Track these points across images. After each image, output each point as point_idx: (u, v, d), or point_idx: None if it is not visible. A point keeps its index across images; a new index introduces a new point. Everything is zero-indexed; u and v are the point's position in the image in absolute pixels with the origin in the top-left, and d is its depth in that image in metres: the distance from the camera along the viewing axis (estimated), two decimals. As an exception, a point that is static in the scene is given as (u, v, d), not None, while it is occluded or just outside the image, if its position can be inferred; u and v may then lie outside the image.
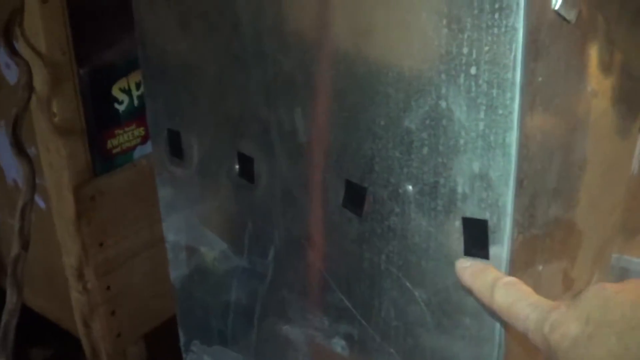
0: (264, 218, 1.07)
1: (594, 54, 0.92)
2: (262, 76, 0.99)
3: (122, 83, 1.63)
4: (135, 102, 1.67)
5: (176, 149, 1.14)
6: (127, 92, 1.64)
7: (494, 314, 0.86)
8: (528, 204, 0.88)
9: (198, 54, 1.05)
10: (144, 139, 1.71)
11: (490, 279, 0.85)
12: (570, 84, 0.90)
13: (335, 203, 0.98)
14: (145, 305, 1.82)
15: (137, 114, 1.68)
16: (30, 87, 1.46)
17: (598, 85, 0.95)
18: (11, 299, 1.49)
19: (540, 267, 0.95)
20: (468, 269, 0.88)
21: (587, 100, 0.95)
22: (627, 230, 1.22)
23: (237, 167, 1.07)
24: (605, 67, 0.95)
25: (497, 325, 0.90)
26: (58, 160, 1.58)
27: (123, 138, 1.67)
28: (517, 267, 0.89)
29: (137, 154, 1.71)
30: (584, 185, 1.01)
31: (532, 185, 0.87)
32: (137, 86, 1.66)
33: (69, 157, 1.58)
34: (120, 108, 1.64)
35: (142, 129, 1.70)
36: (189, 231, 1.20)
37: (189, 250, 1.21)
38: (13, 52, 1.47)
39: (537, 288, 0.90)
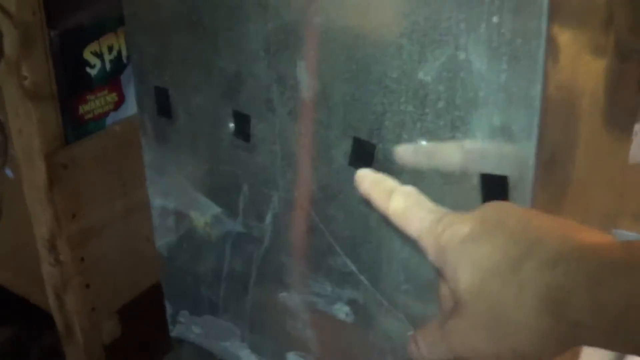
0: (261, 179, 1.02)
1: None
2: (261, 28, 0.93)
3: (93, 46, 1.57)
4: (107, 66, 1.60)
5: (164, 108, 1.08)
6: (99, 55, 1.58)
7: (390, 224, 0.82)
8: (548, 159, 0.84)
9: (191, 5, 0.99)
10: (117, 105, 1.65)
11: (388, 187, 0.82)
12: (589, 35, 0.86)
13: (341, 161, 0.93)
14: (120, 278, 1.77)
15: (109, 79, 1.62)
16: (0, 49, 1.39)
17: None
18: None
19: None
20: (367, 177, 0.84)
21: (605, 55, 0.91)
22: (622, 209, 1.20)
23: (231, 125, 1.02)
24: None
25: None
26: (28, 126, 1.52)
27: (95, 104, 1.60)
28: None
29: (109, 120, 1.65)
30: (593, 151, 0.98)
31: (552, 140, 0.83)
32: (109, 50, 1.60)
33: (39, 122, 1.52)
34: (92, 72, 1.58)
35: (114, 94, 1.64)
36: (178, 195, 1.14)
37: (177, 216, 1.16)
38: (-20, 13, 1.40)
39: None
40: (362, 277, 0.98)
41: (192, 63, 1.03)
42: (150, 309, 1.86)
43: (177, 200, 1.15)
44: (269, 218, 1.04)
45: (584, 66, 0.87)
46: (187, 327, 1.25)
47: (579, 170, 0.94)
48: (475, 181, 0.85)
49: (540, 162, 0.82)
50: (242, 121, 1.00)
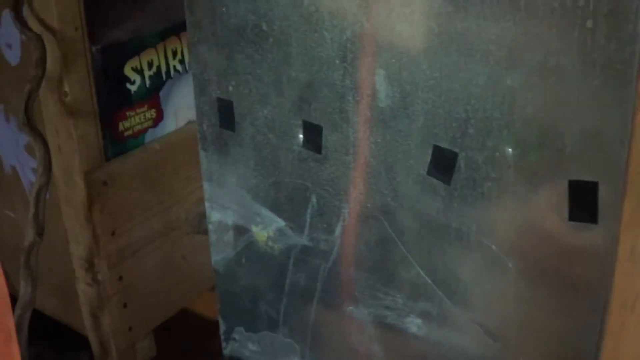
0: (331, 191, 1.01)
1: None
2: (338, 37, 0.92)
3: (134, 62, 1.55)
4: (147, 82, 1.59)
5: (227, 120, 1.07)
6: (139, 71, 1.57)
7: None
8: (636, 166, 0.83)
9: (260, 14, 0.98)
10: (156, 122, 1.64)
11: None
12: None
13: (419, 171, 0.92)
14: (157, 297, 1.74)
15: (148, 95, 1.60)
16: (44, 63, 1.38)
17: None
18: (26, 290, 1.41)
19: (636, 233, 0.90)
20: None
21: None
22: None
23: (301, 137, 1.00)
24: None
25: (603, 295, 0.85)
26: (68, 143, 1.50)
27: (134, 120, 1.59)
28: (623, 233, 0.84)
29: (148, 137, 1.63)
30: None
31: (640, 146, 0.82)
32: (149, 65, 1.58)
33: (80, 139, 1.50)
34: (132, 88, 1.57)
35: (153, 110, 1.62)
36: (238, 209, 1.13)
37: (236, 230, 1.15)
38: (24, 27, 1.39)
39: (631, 256, 0.86)
40: (437, 289, 0.96)
41: (260, 73, 1.02)
42: (185, 328, 1.85)
43: (236, 214, 1.14)
44: (338, 230, 1.02)
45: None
46: (242, 344, 1.23)
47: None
48: (564, 188, 0.83)
49: (631, 168, 0.80)
50: (313, 132, 0.99)
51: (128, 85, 1.53)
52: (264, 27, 0.98)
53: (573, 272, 0.86)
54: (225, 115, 1.06)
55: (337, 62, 0.93)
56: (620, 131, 0.78)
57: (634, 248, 0.91)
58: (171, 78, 1.58)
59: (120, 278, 1.60)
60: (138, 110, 1.56)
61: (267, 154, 1.05)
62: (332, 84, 0.94)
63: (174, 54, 1.58)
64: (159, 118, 1.60)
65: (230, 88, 1.05)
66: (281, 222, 1.08)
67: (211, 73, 1.07)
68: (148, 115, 1.58)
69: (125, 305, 1.63)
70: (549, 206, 0.85)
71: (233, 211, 1.13)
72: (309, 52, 0.95)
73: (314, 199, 1.02)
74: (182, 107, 1.61)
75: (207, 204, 1.16)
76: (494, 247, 0.89)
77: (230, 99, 1.05)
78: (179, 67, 1.59)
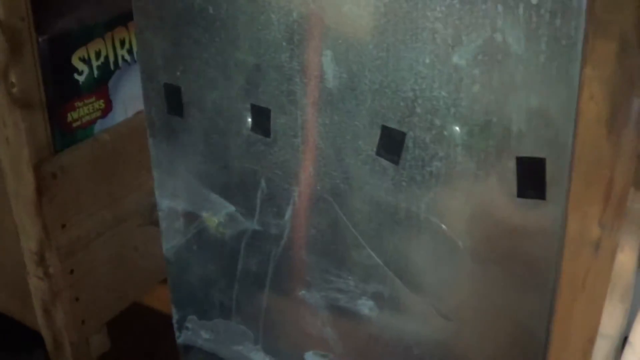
0: (280, 174, 1.00)
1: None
2: (285, 18, 0.92)
3: (81, 52, 1.53)
4: (95, 72, 1.57)
5: (175, 106, 1.06)
6: (87, 61, 1.55)
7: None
8: (583, 142, 0.83)
9: (207, -3, 0.97)
10: (105, 112, 1.62)
11: None
12: (616, 17, 0.86)
13: (367, 152, 0.92)
14: (110, 290, 1.72)
15: (97, 86, 1.58)
16: (-11, 55, 1.36)
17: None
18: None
19: (586, 209, 0.91)
20: None
21: (627, 41, 0.91)
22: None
23: (249, 120, 1.00)
24: None
25: (552, 270, 0.86)
26: (16, 135, 1.48)
27: (83, 111, 1.57)
28: (571, 208, 0.84)
29: (97, 128, 1.61)
30: (616, 128, 0.97)
31: (587, 122, 0.83)
32: (97, 55, 1.57)
33: (28, 131, 1.48)
34: (80, 79, 1.55)
35: (102, 101, 1.60)
36: (188, 196, 1.12)
37: (187, 217, 1.14)
38: (-32, 18, 1.37)
39: (581, 231, 0.87)
40: (388, 270, 0.96)
41: (207, 58, 1.01)
42: (138, 321, 1.83)
43: (186, 201, 1.13)
44: (288, 214, 1.02)
45: (610, 50, 0.87)
46: (195, 332, 1.22)
47: (604, 156, 0.94)
48: (511, 165, 0.84)
49: (577, 143, 0.81)
50: (262, 115, 0.98)
51: (76, 76, 1.51)
52: (211, 10, 0.97)
53: (522, 250, 0.86)
54: (173, 101, 1.05)
55: (284, 44, 0.93)
56: (566, 107, 0.79)
57: (582, 225, 0.92)
58: (119, 68, 1.57)
59: (72, 271, 1.58)
60: (86, 101, 1.54)
61: (215, 138, 1.04)
62: (279, 66, 0.94)
63: (122, 43, 1.57)
64: (108, 108, 1.59)
65: (178, 73, 1.04)
66: (231, 207, 1.07)
67: (158, 59, 1.06)
68: (97, 105, 1.57)
69: (77, 299, 1.62)
70: (497, 184, 0.85)
71: (183, 198, 1.12)
72: (256, 35, 0.95)
73: (263, 183, 1.02)
74: (131, 97, 1.60)
75: (156, 192, 1.15)
76: (443, 226, 0.90)
77: (177, 84, 1.04)
78: (127, 57, 1.58)
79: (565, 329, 0.95)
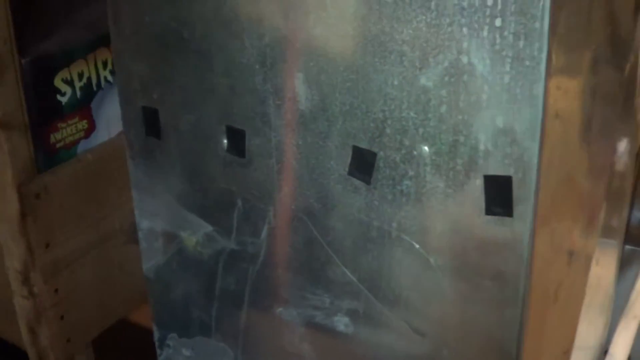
0: (256, 194, 1.02)
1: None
2: (257, 42, 0.94)
3: (64, 73, 1.55)
4: (78, 93, 1.59)
5: (153, 128, 1.08)
6: (70, 82, 1.56)
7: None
8: (549, 160, 0.85)
9: (182, 21, 0.99)
10: (88, 133, 1.63)
11: None
12: (583, 35, 0.88)
13: (340, 172, 0.94)
14: (95, 308, 1.74)
15: (80, 107, 1.60)
16: (-29, 78, 1.37)
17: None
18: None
19: (555, 226, 0.93)
20: None
21: (592, 60, 0.93)
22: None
23: (225, 142, 1.01)
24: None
25: (521, 286, 0.88)
26: (-1, 156, 1.49)
27: (66, 132, 1.59)
28: (538, 225, 0.86)
29: (80, 148, 1.63)
30: (585, 146, 0.99)
31: (553, 140, 0.85)
32: (80, 76, 1.58)
33: (11, 153, 1.49)
34: (63, 100, 1.56)
35: (85, 121, 1.62)
36: (167, 216, 1.13)
37: (166, 237, 1.15)
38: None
39: (550, 246, 0.89)
40: (362, 287, 0.98)
41: (183, 81, 1.03)
42: (124, 338, 1.84)
43: (165, 221, 1.15)
44: (264, 233, 1.04)
45: (575, 69, 0.89)
46: (176, 350, 1.24)
47: (572, 171, 0.96)
48: (479, 183, 0.85)
49: (543, 161, 0.83)
50: (237, 137, 1.00)
51: (59, 97, 1.52)
52: (185, 35, 0.99)
53: (492, 266, 0.88)
54: (151, 123, 1.07)
55: (258, 67, 0.94)
56: (531, 126, 0.81)
57: (552, 240, 0.93)
58: (102, 89, 1.58)
59: (57, 290, 1.60)
60: (69, 122, 1.56)
61: (192, 160, 1.06)
62: (253, 89, 0.96)
63: (105, 64, 1.58)
64: (91, 129, 1.60)
65: (155, 96, 1.06)
66: (209, 227, 1.08)
67: (136, 82, 1.07)
68: (80, 126, 1.58)
69: (62, 318, 1.63)
70: (466, 202, 0.87)
71: (162, 218, 1.14)
72: (230, 58, 0.96)
73: (239, 203, 1.04)
74: (114, 118, 1.61)
75: (135, 212, 1.16)
76: (415, 244, 0.91)
77: (155, 107, 1.06)
78: (109, 78, 1.59)
79: (537, 342, 0.96)
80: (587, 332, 1.40)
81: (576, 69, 0.90)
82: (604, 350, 1.43)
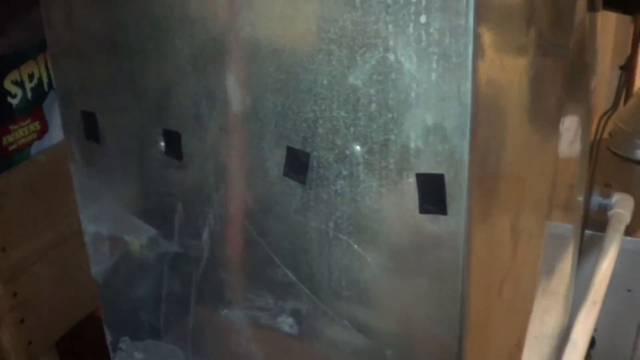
0: (195, 197, 1.01)
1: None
2: (188, 43, 0.93)
3: (14, 75, 1.54)
4: (29, 95, 1.57)
5: (92, 132, 1.07)
6: (20, 84, 1.55)
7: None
8: (482, 155, 0.84)
9: (115, 25, 0.98)
10: (40, 134, 1.62)
11: None
12: (512, 31, 0.87)
13: (275, 173, 0.93)
14: (56, 310, 1.73)
15: (31, 108, 1.59)
16: None
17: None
18: None
19: (493, 221, 0.92)
20: None
21: (528, 51, 0.93)
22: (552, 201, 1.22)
23: (162, 144, 1.00)
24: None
25: (459, 283, 0.87)
26: (-49, 162, 1.48)
27: (19, 134, 1.57)
28: (475, 221, 0.85)
29: (34, 149, 1.62)
30: (524, 142, 0.99)
31: (485, 136, 0.84)
32: (30, 78, 1.57)
33: (-38, 158, 1.48)
34: (14, 102, 1.55)
35: (37, 123, 1.61)
36: (111, 220, 1.12)
37: (111, 241, 1.14)
38: None
39: (490, 242, 0.88)
40: (303, 287, 0.97)
41: (118, 84, 1.01)
42: (88, 338, 1.83)
43: (110, 224, 1.13)
44: (205, 235, 1.03)
45: (510, 62, 0.88)
46: (129, 353, 1.23)
47: (510, 164, 0.95)
48: (412, 181, 0.85)
49: (475, 158, 0.82)
50: (173, 139, 0.99)
51: (9, 99, 1.51)
52: (118, 38, 0.98)
53: (430, 264, 0.87)
54: (90, 127, 1.06)
55: (190, 69, 0.93)
56: (461, 124, 0.80)
57: (492, 235, 0.93)
58: (54, 89, 1.56)
59: (15, 294, 1.58)
60: (21, 124, 1.54)
61: (132, 163, 1.05)
62: (186, 91, 0.94)
63: (56, 64, 1.56)
64: (43, 130, 1.59)
65: (93, 100, 1.05)
66: (152, 230, 1.07)
67: (73, 86, 1.06)
68: (32, 127, 1.57)
69: (22, 321, 1.62)
70: (401, 200, 0.86)
71: (106, 222, 1.13)
72: (163, 61, 0.95)
73: (180, 206, 1.02)
74: (67, 118, 1.59)
75: (81, 216, 1.15)
76: (352, 243, 0.91)
77: (93, 110, 1.05)
78: (61, 78, 1.57)
79: (482, 338, 0.96)
80: (547, 320, 1.40)
81: (513, 57, 0.89)
82: (565, 338, 1.42)
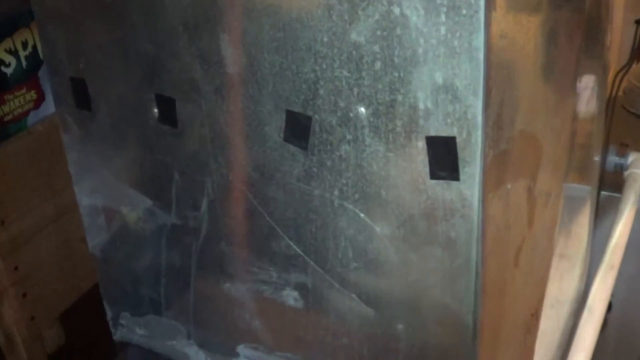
0: (192, 165, 0.95)
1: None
2: (177, 3, 0.87)
3: (7, 44, 1.48)
4: (24, 63, 1.52)
5: (82, 100, 1.01)
6: (14, 53, 1.49)
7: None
8: (496, 115, 0.78)
9: (99, -15, 0.92)
10: (37, 103, 1.57)
11: None
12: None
13: (275, 138, 0.87)
14: (58, 284, 1.69)
15: (26, 77, 1.53)
16: None
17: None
18: None
19: (509, 186, 0.86)
20: None
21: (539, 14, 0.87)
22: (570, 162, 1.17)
23: (155, 111, 0.95)
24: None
25: (474, 253, 0.81)
26: (-56, 133, 1.43)
27: (14, 104, 1.52)
28: (489, 187, 0.80)
29: (30, 120, 1.56)
30: (541, 100, 0.93)
31: (499, 94, 0.78)
32: (24, 45, 1.51)
33: (-45, 129, 1.43)
34: (8, 71, 1.49)
35: (33, 92, 1.55)
36: (106, 191, 1.07)
37: (107, 213, 1.09)
38: None
39: (506, 209, 0.82)
40: (308, 259, 0.92)
41: (107, 49, 0.96)
42: (93, 311, 1.79)
43: (105, 196, 1.08)
44: (204, 206, 0.97)
45: (524, 15, 0.82)
46: (130, 329, 1.18)
47: (526, 124, 0.89)
48: (421, 145, 0.79)
49: (488, 118, 0.76)
50: (167, 105, 0.93)
51: (3, 68, 1.46)
52: (106, 0, 0.92)
53: (442, 233, 0.82)
54: (80, 94, 1.00)
55: (181, 29, 0.88)
56: (473, 82, 0.74)
57: (508, 201, 0.87)
58: (49, 56, 1.51)
59: (16, 268, 1.54)
60: (17, 93, 1.49)
61: (125, 131, 1.00)
62: (178, 53, 0.89)
63: (50, 30, 1.50)
64: (40, 99, 1.54)
65: (81, 66, 0.99)
66: (148, 202, 1.02)
67: (61, 52, 1.00)
68: (28, 97, 1.51)
69: (24, 295, 1.58)
70: (410, 166, 0.80)
71: (101, 194, 1.08)
72: (152, 22, 0.90)
73: (176, 176, 0.97)
74: (64, 85, 1.54)
75: (75, 188, 1.10)
76: (359, 212, 0.85)
77: (82, 77, 0.99)
78: (56, 44, 1.52)
79: (497, 309, 0.91)
80: (564, 287, 1.35)
81: (527, 11, 0.83)
82: (581, 302, 1.37)
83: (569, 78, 1.05)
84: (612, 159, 1.47)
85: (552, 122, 1.00)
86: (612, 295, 1.33)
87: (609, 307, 1.51)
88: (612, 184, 1.51)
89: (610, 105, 1.44)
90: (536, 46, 0.88)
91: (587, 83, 1.18)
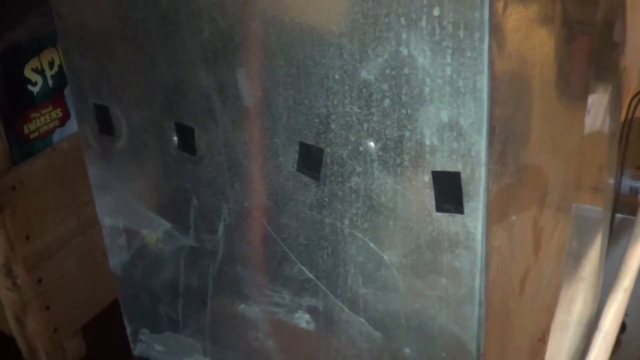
0: (209, 192, 0.99)
1: None
2: (197, 37, 0.90)
3: (34, 63, 1.52)
4: (50, 82, 1.56)
5: (105, 125, 1.05)
6: (40, 72, 1.54)
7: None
8: (500, 152, 0.81)
9: (123, 18, 0.96)
10: (62, 121, 1.61)
11: None
12: (530, 24, 0.84)
13: (289, 168, 0.90)
14: (80, 296, 1.73)
15: (52, 95, 1.57)
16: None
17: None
18: None
19: (514, 218, 0.89)
20: None
21: (548, 43, 0.89)
22: (580, 183, 1.19)
23: (175, 139, 0.98)
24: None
25: (477, 283, 0.84)
26: (-28, 150, 1.47)
27: (40, 121, 1.56)
28: (493, 220, 0.83)
29: (56, 137, 1.61)
30: (548, 130, 0.95)
31: (504, 132, 0.81)
32: (50, 65, 1.55)
33: (-16, 146, 1.47)
34: (34, 90, 1.54)
35: (59, 110, 1.59)
36: (127, 213, 1.11)
37: (128, 234, 1.13)
38: None
39: (510, 239, 0.85)
40: (320, 284, 0.95)
41: (129, 78, 0.99)
42: (114, 324, 1.83)
43: (126, 218, 1.12)
44: (220, 230, 1.01)
45: (535, 37, 0.85)
46: (149, 345, 1.22)
47: (532, 157, 0.92)
48: (428, 179, 0.82)
49: (492, 155, 0.79)
50: (186, 134, 0.97)
51: (29, 87, 1.50)
52: (127, 31, 0.96)
53: (447, 263, 0.85)
54: (103, 120, 1.04)
55: (199, 62, 0.91)
56: (477, 120, 0.77)
57: (512, 232, 0.90)
58: (75, 76, 1.55)
59: (40, 281, 1.58)
60: (43, 111, 1.53)
61: (146, 157, 1.03)
62: (197, 85, 0.92)
63: (76, 50, 1.55)
64: (65, 117, 1.58)
65: (105, 93, 1.03)
66: (167, 224, 1.06)
67: (86, 79, 1.04)
68: (54, 115, 1.56)
69: (47, 307, 1.62)
70: (416, 198, 0.83)
71: (122, 215, 1.11)
72: (172, 54, 0.93)
73: (195, 201, 1.01)
74: (89, 104, 1.58)
75: (97, 209, 1.14)
76: (368, 241, 0.88)
77: (105, 104, 1.03)
78: (82, 64, 1.56)
79: (502, 336, 0.93)
80: (574, 309, 1.37)
81: (535, 46, 0.86)
82: (594, 326, 1.39)
83: (578, 102, 1.07)
84: (627, 181, 1.49)
85: (560, 151, 1.03)
86: (627, 315, 1.36)
87: (624, 327, 1.53)
88: (626, 206, 1.53)
89: (626, 128, 1.46)
90: (543, 81, 0.90)
91: (599, 105, 1.21)
